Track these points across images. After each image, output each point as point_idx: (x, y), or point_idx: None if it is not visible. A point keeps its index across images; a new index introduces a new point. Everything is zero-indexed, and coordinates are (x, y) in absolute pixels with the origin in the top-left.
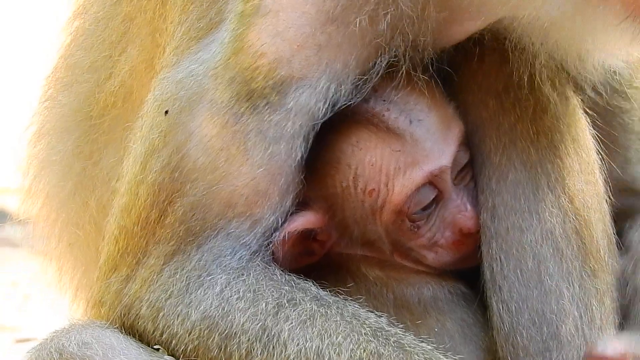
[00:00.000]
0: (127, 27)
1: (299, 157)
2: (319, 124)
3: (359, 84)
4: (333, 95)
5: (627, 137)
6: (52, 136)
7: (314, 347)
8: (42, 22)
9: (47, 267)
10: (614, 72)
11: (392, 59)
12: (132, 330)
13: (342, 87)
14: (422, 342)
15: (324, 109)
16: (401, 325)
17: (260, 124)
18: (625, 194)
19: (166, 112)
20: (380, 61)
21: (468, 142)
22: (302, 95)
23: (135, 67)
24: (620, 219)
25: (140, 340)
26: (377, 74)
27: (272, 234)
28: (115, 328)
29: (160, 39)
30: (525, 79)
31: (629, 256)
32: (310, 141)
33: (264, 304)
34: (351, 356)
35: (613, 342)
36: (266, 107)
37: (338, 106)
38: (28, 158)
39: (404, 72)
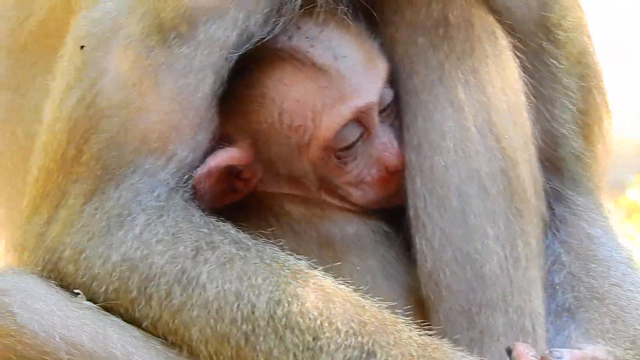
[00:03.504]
0: None
1: (209, 90)
2: (234, 58)
3: (274, 15)
4: (244, 26)
5: (555, 88)
6: None
7: (233, 288)
8: None
9: None
10: (546, 4)
11: None
12: (54, 274)
13: (253, 17)
14: (342, 284)
15: (235, 40)
16: (321, 267)
17: (170, 56)
18: (549, 167)
19: (82, 47)
20: None
21: (393, 79)
22: (212, 25)
23: (54, 6)
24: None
25: (61, 283)
26: (295, 5)
27: (189, 170)
28: (34, 274)
29: None
30: (455, 17)
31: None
32: (225, 75)
33: (182, 247)
34: (270, 297)
35: (571, 352)
36: (175, 40)
37: (255, 40)
38: None
39: (324, 8)
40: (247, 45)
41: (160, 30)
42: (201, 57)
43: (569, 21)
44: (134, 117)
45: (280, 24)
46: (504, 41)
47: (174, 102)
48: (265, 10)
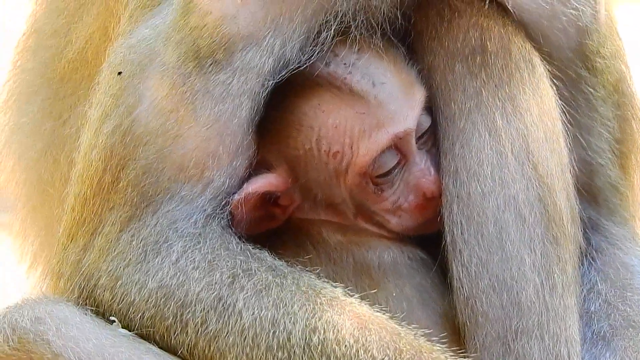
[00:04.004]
0: None
1: (246, 117)
2: (270, 84)
3: (311, 42)
4: (281, 53)
5: (591, 117)
6: (21, 101)
7: (269, 316)
8: None
9: (5, 237)
10: (585, 32)
11: (344, 16)
12: (90, 301)
13: (289, 44)
14: (378, 311)
15: (271, 67)
16: (357, 295)
17: (207, 83)
18: (585, 196)
19: (119, 73)
20: (329, 18)
21: (430, 106)
22: (248, 52)
23: (92, 35)
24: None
25: (98, 310)
26: (330, 33)
27: (226, 196)
28: (69, 301)
29: (114, 7)
30: (493, 44)
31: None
32: (262, 101)
33: (218, 274)
34: (306, 325)
35: None
36: (212, 66)
37: (292, 67)
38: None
39: (363, 35)
40: (284, 72)
41: (196, 57)
42: (238, 83)
43: (607, 49)
44: (171, 144)
45: (317, 51)
46: (541, 69)
47: (211, 128)
48: (301, 38)
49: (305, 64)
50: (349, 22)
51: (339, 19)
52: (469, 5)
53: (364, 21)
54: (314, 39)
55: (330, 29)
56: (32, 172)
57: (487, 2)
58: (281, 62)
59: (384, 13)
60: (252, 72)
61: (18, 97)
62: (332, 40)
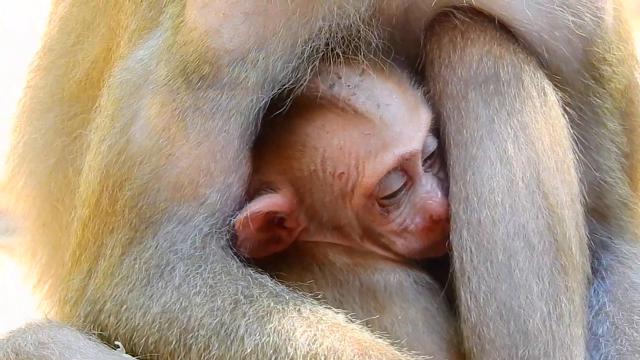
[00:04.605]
0: (94, 14)
1: (237, 133)
2: (262, 100)
3: (297, 58)
4: (265, 67)
5: (599, 133)
6: (33, 118)
7: (271, 342)
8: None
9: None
10: (589, 40)
11: (325, 33)
12: (96, 326)
13: (272, 57)
14: (379, 337)
15: (257, 81)
16: (363, 317)
17: (196, 100)
18: (595, 217)
19: (115, 96)
20: (312, 34)
21: (439, 131)
22: (235, 67)
23: (97, 56)
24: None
25: (102, 335)
26: (315, 49)
27: (222, 215)
28: (72, 326)
29: (116, 29)
30: (506, 73)
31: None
32: (254, 118)
33: (220, 300)
34: (308, 351)
35: None
36: (200, 82)
37: (285, 84)
38: (11, 143)
39: (365, 56)
40: (276, 89)
41: (184, 74)
42: (227, 99)
43: (613, 55)
44: (165, 163)
45: (307, 68)
46: (553, 97)
47: (202, 145)
48: (286, 52)
49: (301, 82)
50: (331, 40)
51: (322, 35)
52: (482, 32)
53: (346, 39)
54: (299, 55)
55: (314, 44)
56: (43, 189)
57: (499, 29)
58: (268, 77)
59: (359, 33)
60: (240, 87)
61: (30, 114)
62: (320, 57)
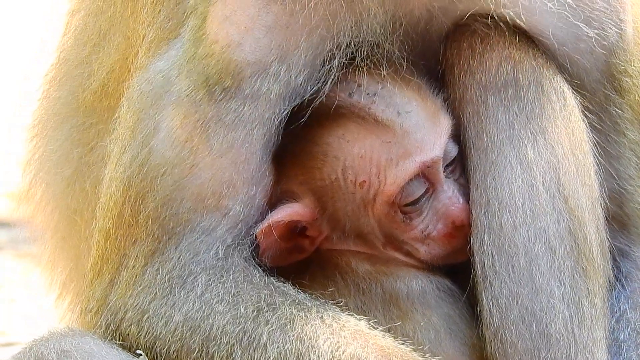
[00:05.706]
0: (110, 24)
1: (259, 144)
2: (283, 111)
3: (318, 70)
4: (287, 79)
5: (619, 142)
6: (49, 129)
7: (293, 349)
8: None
9: (35, 268)
10: (611, 51)
11: (347, 47)
12: (117, 335)
13: (295, 69)
14: (402, 343)
15: (280, 93)
16: (386, 324)
17: (218, 111)
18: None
19: (135, 107)
20: (334, 47)
21: (459, 136)
22: (257, 79)
23: (113, 66)
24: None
25: (124, 344)
26: (336, 62)
27: (245, 226)
28: (95, 335)
29: (133, 40)
30: (525, 77)
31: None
32: (276, 129)
33: (243, 308)
34: (331, 358)
35: None
36: (223, 94)
37: (306, 95)
38: (27, 154)
39: (385, 65)
40: (297, 100)
41: (206, 85)
42: (249, 110)
43: (634, 67)
44: (188, 174)
45: (328, 80)
46: (573, 101)
47: (225, 156)
48: (308, 65)
49: (321, 93)
50: (353, 53)
51: (343, 49)
52: (501, 37)
53: (367, 52)
54: (321, 67)
55: (335, 58)
56: (61, 201)
57: (518, 34)
58: (290, 89)
59: (381, 45)
60: (262, 98)
61: (46, 125)
62: (341, 69)
